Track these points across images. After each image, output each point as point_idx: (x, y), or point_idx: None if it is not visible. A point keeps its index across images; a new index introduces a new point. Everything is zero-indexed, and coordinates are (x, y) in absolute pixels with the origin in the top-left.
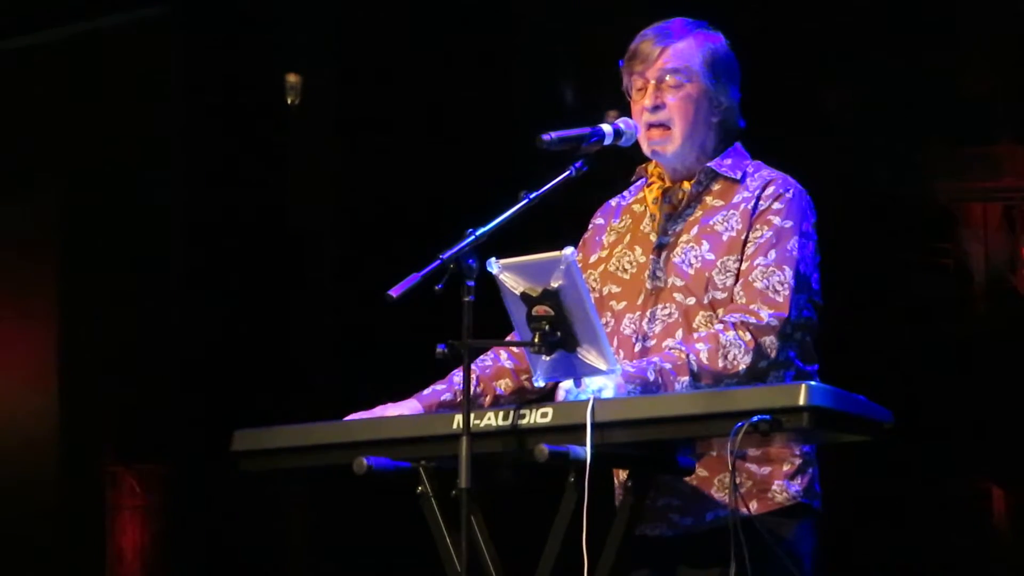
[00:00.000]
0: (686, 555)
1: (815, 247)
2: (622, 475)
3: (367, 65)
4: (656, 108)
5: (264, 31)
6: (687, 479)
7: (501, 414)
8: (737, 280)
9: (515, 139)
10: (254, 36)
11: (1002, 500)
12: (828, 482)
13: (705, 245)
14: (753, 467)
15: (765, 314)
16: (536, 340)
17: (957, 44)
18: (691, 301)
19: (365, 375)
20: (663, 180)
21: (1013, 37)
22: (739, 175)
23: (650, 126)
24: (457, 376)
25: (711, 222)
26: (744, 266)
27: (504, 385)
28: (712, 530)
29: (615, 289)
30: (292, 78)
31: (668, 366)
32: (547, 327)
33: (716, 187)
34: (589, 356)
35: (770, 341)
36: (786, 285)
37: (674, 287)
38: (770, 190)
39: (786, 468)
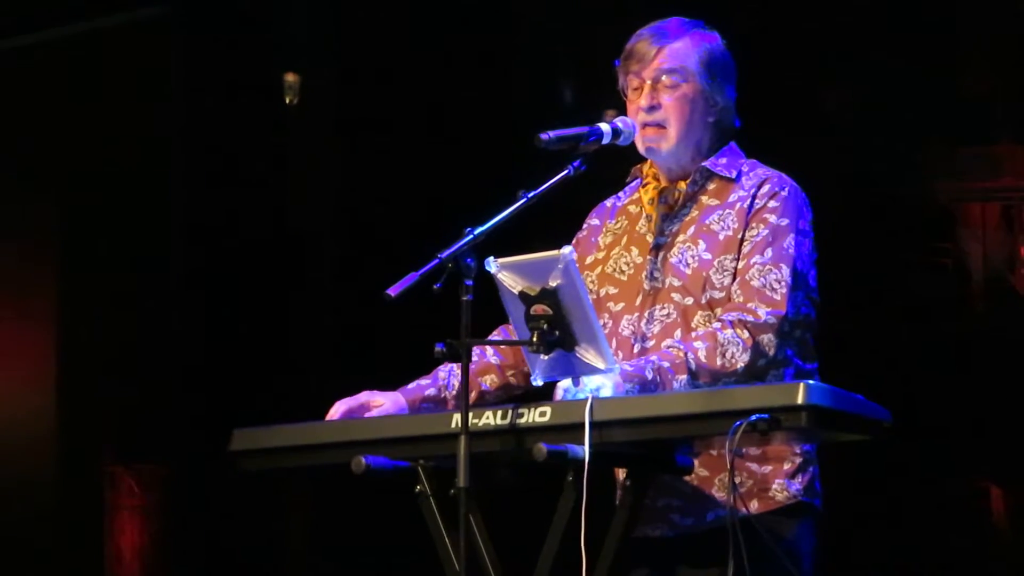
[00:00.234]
0: (687, 555)
1: (812, 244)
2: (622, 475)
3: (367, 65)
4: (652, 108)
5: (264, 31)
6: (688, 479)
7: (499, 413)
8: (734, 279)
9: (514, 139)
10: (254, 36)
11: (1001, 499)
12: (827, 482)
13: (702, 245)
14: (754, 466)
15: (763, 312)
16: (534, 339)
17: (957, 44)
18: (689, 301)
19: (365, 375)
20: (658, 180)
21: (1013, 37)
22: (734, 174)
23: (646, 125)
24: (442, 371)
25: (707, 221)
26: (741, 264)
27: (490, 381)
28: (713, 530)
29: (612, 290)
30: (291, 78)
31: (666, 365)
32: (545, 326)
33: (711, 186)
34: (587, 355)
35: (768, 339)
36: (783, 283)
37: (672, 287)
38: (766, 188)
39: (787, 467)
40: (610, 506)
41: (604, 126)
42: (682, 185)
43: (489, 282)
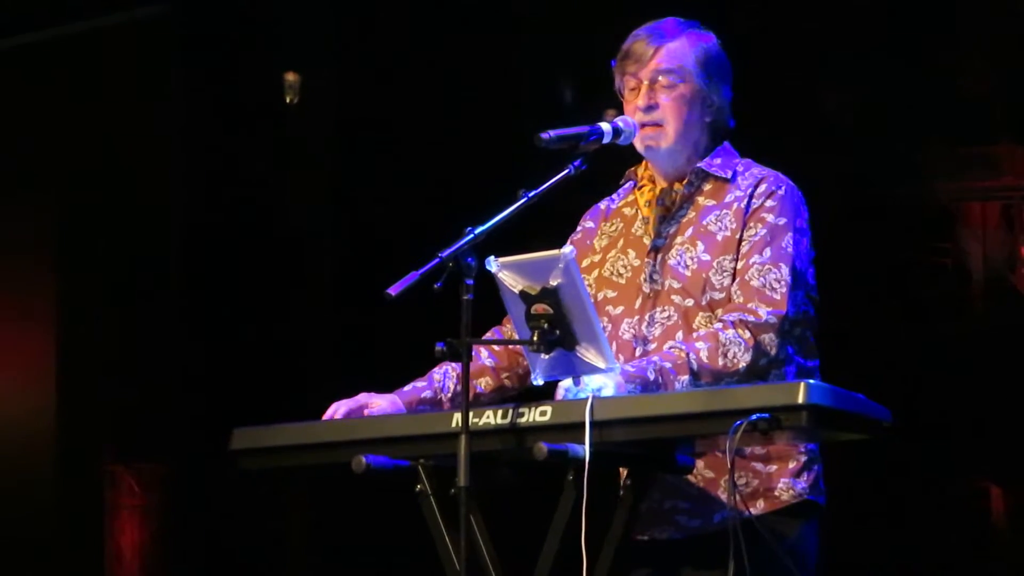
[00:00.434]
0: (694, 558)
1: (809, 242)
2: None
3: (367, 65)
4: (650, 108)
5: (264, 31)
6: (693, 481)
7: (500, 412)
8: (734, 279)
9: (515, 138)
10: (254, 36)
11: (1001, 499)
12: (828, 482)
13: (700, 246)
14: (759, 466)
15: (763, 312)
16: (535, 338)
17: (957, 44)
18: (689, 303)
19: (365, 375)
20: (654, 182)
21: (1013, 37)
22: (729, 174)
23: (644, 125)
24: (437, 373)
25: (705, 222)
26: (740, 265)
27: (484, 383)
28: (720, 531)
29: (611, 294)
30: (291, 77)
31: (668, 365)
32: (546, 325)
33: (707, 187)
34: (588, 354)
35: (769, 339)
36: (783, 282)
37: (671, 289)
38: (762, 188)
39: (791, 466)
40: (612, 506)
41: (605, 125)
42: (678, 186)
43: (489, 281)
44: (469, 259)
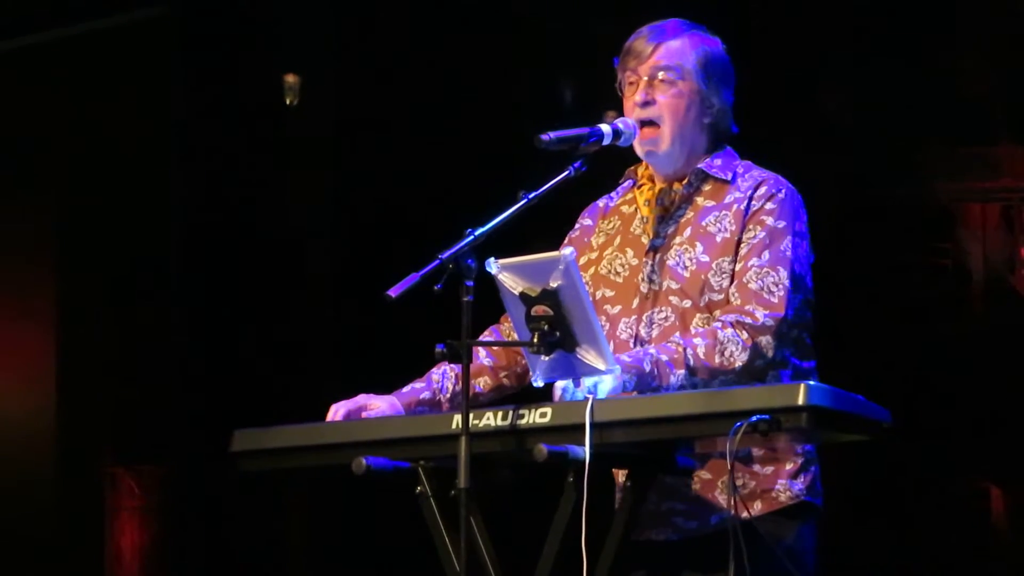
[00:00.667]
0: (692, 559)
1: (808, 246)
2: (620, 477)
3: (367, 65)
4: (646, 104)
5: (264, 31)
6: (691, 482)
7: (500, 414)
8: (732, 281)
9: (515, 139)
10: (254, 36)
11: (1001, 500)
12: (828, 482)
13: (699, 247)
14: (756, 467)
15: (761, 315)
16: (535, 340)
17: (957, 44)
18: (687, 304)
19: (365, 375)
20: (653, 182)
21: (1013, 37)
22: (729, 175)
23: (641, 124)
24: (435, 374)
25: (704, 223)
26: (739, 267)
27: (483, 383)
28: (718, 533)
29: (609, 293)
30: (291, 78)
31: (664, 358)
32: (546, 327)
33: (707, 188)
34: (588, 356)
35: (766, 341)
36: (781, 286)
37: (669, 290)
38: (762, 190)
39: (789, 467)
40: (610, 507)
41: (605, 127)
42: (678, 186)
43: (490, 283)
44: (469, 260)
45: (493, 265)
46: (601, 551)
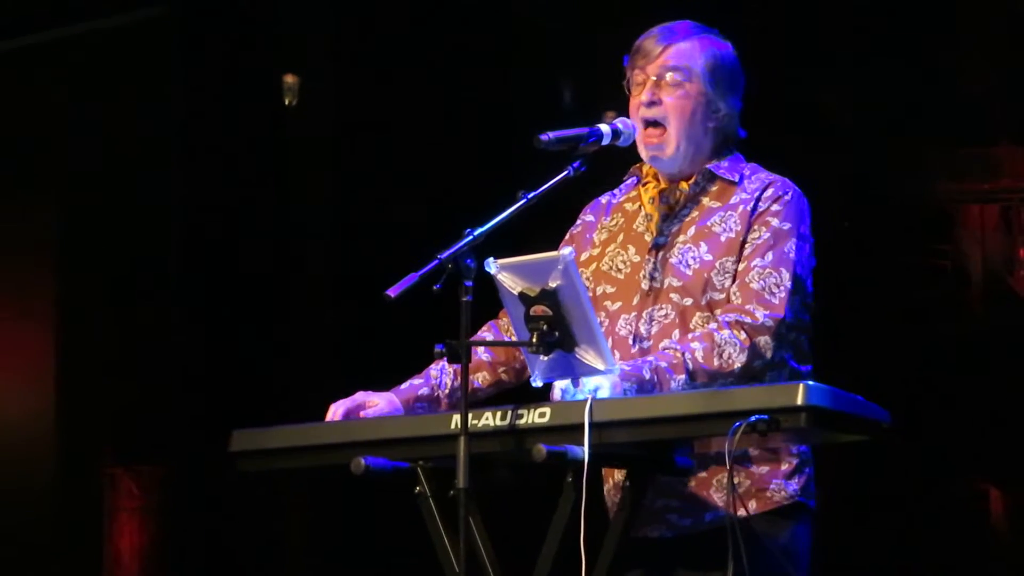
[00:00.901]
0: (685, 557)
1: (811, 250)
2: (616, 476)
3: (367, 65)
4: (652, 104)
5: (264, 31)
6: (686, 480)
7: (499, 414)
8: (734, 281)
9: (514, 139)
10: (254, 36)
11: (1000, 500)
12: (827, 482)
13: (703, 247)
14: (752, 467)
15: (760, 315)
16: (534, 340)
17: (957, 44)
18: (688, 302)
19: (364, 375)
20: (658, 180)
21: (1012, 37)
22: (736, 177)
23: (646, 125)
24: (434, 370)
25: (709, 223)
26: (741, 267)
27: (482, 378)
28: (711, 531)
29: (609, 289)
30: (290, 79)
31: (664, 365)
32: (545, 327)
33: (713, 188)
34: (587, 356)
35: (765, 341)
36: (782, 287)
37: (671, 288)
38: (769, 192)
39: (784, 467)
40: (603, 507)
41: (604, 127)
42: (684, 186)
43: (489, 283)
44: (468, 260)
45: (492, 265)
46: (600, 551)
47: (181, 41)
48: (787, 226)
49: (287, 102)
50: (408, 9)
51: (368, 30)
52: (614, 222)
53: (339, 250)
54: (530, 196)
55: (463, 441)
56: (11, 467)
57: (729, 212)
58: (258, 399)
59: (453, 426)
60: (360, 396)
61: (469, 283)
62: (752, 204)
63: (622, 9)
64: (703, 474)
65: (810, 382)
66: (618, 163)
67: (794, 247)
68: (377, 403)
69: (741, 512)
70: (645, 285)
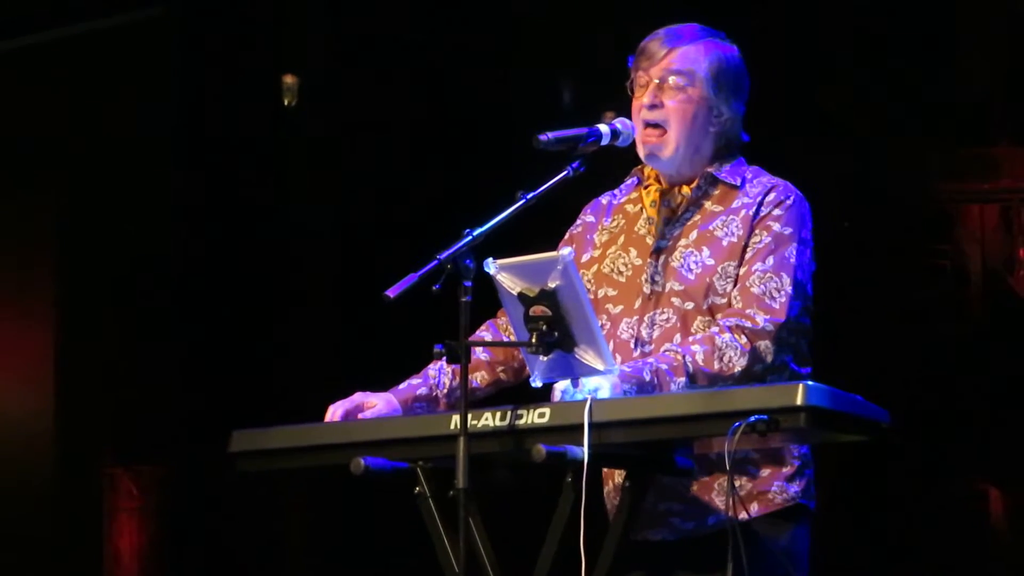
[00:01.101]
0: (688, 560)
1: (812, 254)
2: (616, 478)
3: (367, 65)
4: (653, 107)
5: (264, 31)
6: (688, 483)
7: (499, 414)
8: (735, 285)
9: (514, 139)
10: (254, 36)
11: (999, 500)
12: (827, 483)
13: (706, 251)
14: (753, 469)
15: (761, 319)
16: (533, 340)
17: (957, 45)
18: (689, 306)
19: (364, 376)
20: (660, 183)
21: (1012, 38)
22: (738, 181)
23: (646, 125)
24: (432, 370)
25: (711, 227)
26: (742, 271)
27: (480, 378)
28: (714, 534)
29: (611, 292)
30: (289, 79)
31: (664, 367)
32: (544, 327)
33: (715, 192)
34: (587, 356)
35: (765, 346)
36: (783, 292)
37: (673, 292)
38: (772, 196)
39: (785, 470)
40: (601, 505)
41: (603, 127)
42: (686, 189)
43: (488, 283)
44: (467, 261)
45: (491, 265)
46: (600, 551)
47: (181, 41)
48: (788, 231)
49: (287, 102)
50: (408, 9)
51: (368, 30)
52: (615, 224)
53: (339, 250)
54: (529, 196)
55: (463, 441)
56: (11, 467)
57: (731, 216)
58: (258, 399)
59: (453, 426)
60: (358, 397)
61: (468, 283)
62: (754, 208)
63: (621, 9)
64: (705, 477)
65: (809, 382)
66: (617, 163)
67: (795, 252)
68: (375, 404)
69: (742, 515)
70: (647, 289)
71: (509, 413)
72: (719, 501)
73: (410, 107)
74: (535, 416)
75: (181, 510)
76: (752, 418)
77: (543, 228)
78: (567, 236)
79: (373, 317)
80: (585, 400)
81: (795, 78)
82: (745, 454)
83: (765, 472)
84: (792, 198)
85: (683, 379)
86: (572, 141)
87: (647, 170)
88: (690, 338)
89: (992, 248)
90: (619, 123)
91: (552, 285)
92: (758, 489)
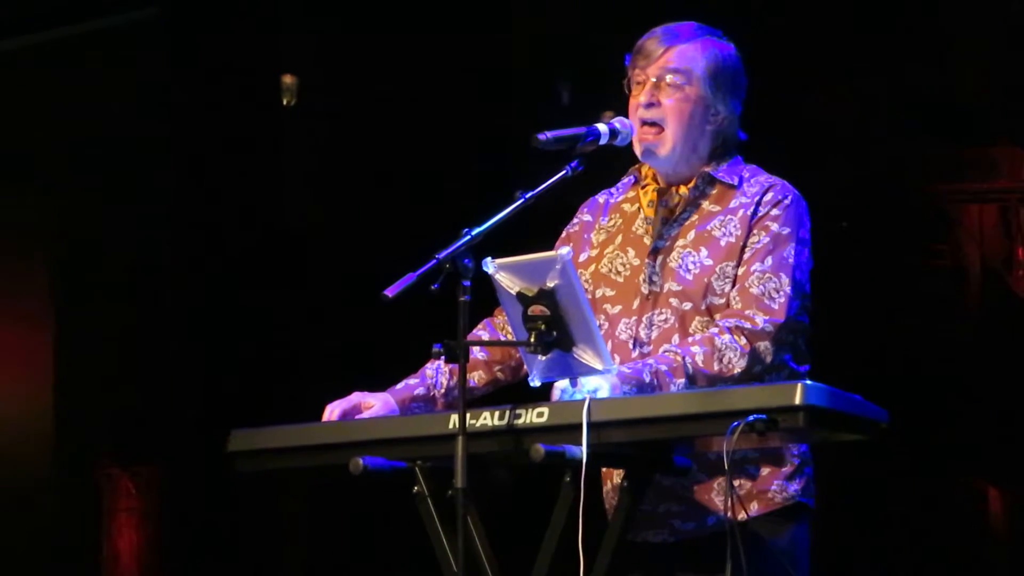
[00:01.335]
0: (688, 561)
1: (809, 253)
2: (615, 478)
3: (367, 65)
4: (650, 105)
5: (263, 31)
6: (688, 484)
7: (497, 414)
8: (734, 285)
9: (512, 139)
10: (253, 36)
11: (998, 499)
12: (826, 483)
13: (704, 251)
14: (752, 469)
15: (760, 320)
16: (532, 340)
17: (955, 45)
18: (687, 306)
19: (362, 376)
20: (657, 182)
21: (1010, 38)
22: (736, 180)
23: (643, 123)
24: (429, 370)
25: (708, 227)
26: (741, 271)
27: (478, 377)
28: (714, 535)
29: (609, 292)
30: (288, 80)
31: (664, 368)
32: (543, 327)
33: (713, 192)
34: (585, 356)
35: (765, 346)
36: (782, 292)
37: (671, 292)
38: (769, 196)
39: (785, 468)
40: (599, 505)
41: (602, 127)
42: (683, 189)
43: (486, 283)
44: (466, 260)
45: (490, 265)
46: (598, 551)
47: (180, 41)
48: (787, 230)
49: (286, 102)
50: (407, 9)
51: (368, 30)
52: (612, 223)
53: (337, 251)
54: (528, 196)
55: (461, 441)
56: (9, 468)
57: (729, 216)
58: (256, 400)
59: (451, 426)
60: (356, 397)
61: (467, 283)
62: (752, 208)
63: (620, 9)
64: (705, 478)
65: (808, 381)
66: (616, 163)
67: (793, 251)
68: (373, 404)
69: (742, 515)
70: (645, 289)
71: (508, 412)
72: (719, 501)
73: (409, 107)
74: (534, 415)
75: (180, 511)
76: (751, 418)
77: (542, 228)
78: (564, 235)
79: (371, 317)
80: (584, 400)
81: (794, 78)
82: (744, 453)
83: (764, 471)
84: (790, 198)
85: (683, 380)
86: (571, 140)
87: (644, 169)
88: (689, 339)
89: (991, 248)
90: (618, 122)
91: (551, 284)
92: (758, 488)
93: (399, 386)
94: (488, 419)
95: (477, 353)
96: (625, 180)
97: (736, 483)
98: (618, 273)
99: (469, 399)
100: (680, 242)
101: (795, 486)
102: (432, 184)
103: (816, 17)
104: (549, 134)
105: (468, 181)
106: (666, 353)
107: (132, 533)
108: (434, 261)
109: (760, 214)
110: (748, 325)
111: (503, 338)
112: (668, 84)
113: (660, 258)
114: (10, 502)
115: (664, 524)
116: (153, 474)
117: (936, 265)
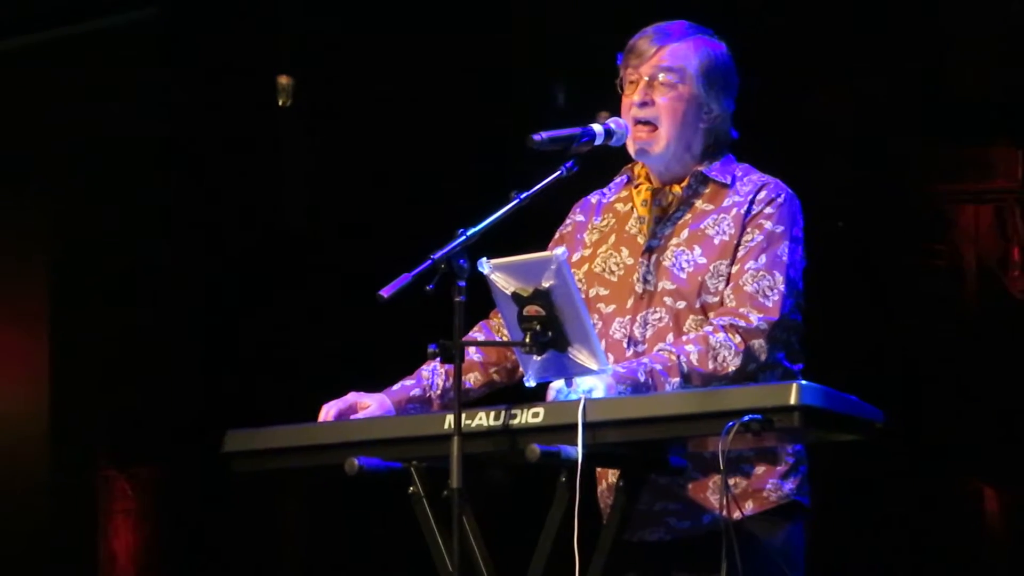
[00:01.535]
0: (684, 559)
1: (803, 251)
2: (610, 478)
3: (366, 65)
4: (644, 104)
5: (262, 31)
6: (683, 483)
7: (492, 414)
8: (728, 283)
9: (507, 139)
10: (252, 36)
11: (995, 500)
12: (824, 483)
13: (697, 250)
14: (747, 467)
15: (754, 318)
16: (527, 340)
17: (952, 45)
18: (681, 305)
19: (359, 376)
20: (650, 182)
21: (1008, 38)
22: (728, 179)
23: (637, 122)
24: (425, 371)
25: (702, 226)
26: (735, 269)
27: (473, 379)
28: (710, 533)
29: (603, 291)
30: (284, 80)
31: (659, 367)
32: (538, 327)
33: (706, 191)
34: (580, 356)
35: (759, 344)
36: (776, 290)
37: (665, 291)
38: (763, 194)
39: (780, 467)
40: (594, 506)
41: (597, 127)
42: (676, 188)
43: (482, 283)
44: (461, 261)
45: (485, 265)
46: (594, 551)
47: (180, 41)
48: (780, 229)
49: (281, 103)
50: (407, 9)
51: (367, 30)
52: (605, 223)
53: (338, 250)
54: (523, 196)
55: (456, 441)
56: (5, 468)
57: (722, 215)
58: (254, 400)
59: (447, 426)
60: (351, 397)
61: (462, 283)
62: (745, 207)
63: (619, 9)
64: (700, 477)
65: (803, 381)
66: (611, 163)
67: (787, 250)
68: (369, 404)
69: (737, 514)
70: (639, 288)
71: (503, 413)
72: (714, 499)
73: (408, 106)
74: (529, 416)
75: (177, 512)
76: (746, 418)
77: (537, 228)
78: (557, 236)
79: (371, 317)
80: (579, 400)
81: (793, 78)
82: (739, 453)
83: (760, 470)
84: (783, 196)
85: (677, 379)
86: (566, 141)
87: (637, 168)
88: (684, 337)
89: (986, 248)
90: (613, 123)
91: (546, 285)
92: (753, 487)
93: (395, 387)
94: (483, 419)
95: (473, 355)
96: (618, 180)
97: (731, 482)
98: (612, 272)
99: (465, 400)
100: (674, 241)
101: (790, 485)
102: (432, 184)
103: (816, 17)
104: (544, 134)
105: (467, 181)
106: (661, 352)
107: (129, 534)
108: (429, 261)
109: (754, 212)
110: (742, 323)
111: (499, 339)
112: (661, 83)
113: (654, 257)
114: (7, 503)
115: (660, 522)
116: (150, 475)
117: (933, 265)
